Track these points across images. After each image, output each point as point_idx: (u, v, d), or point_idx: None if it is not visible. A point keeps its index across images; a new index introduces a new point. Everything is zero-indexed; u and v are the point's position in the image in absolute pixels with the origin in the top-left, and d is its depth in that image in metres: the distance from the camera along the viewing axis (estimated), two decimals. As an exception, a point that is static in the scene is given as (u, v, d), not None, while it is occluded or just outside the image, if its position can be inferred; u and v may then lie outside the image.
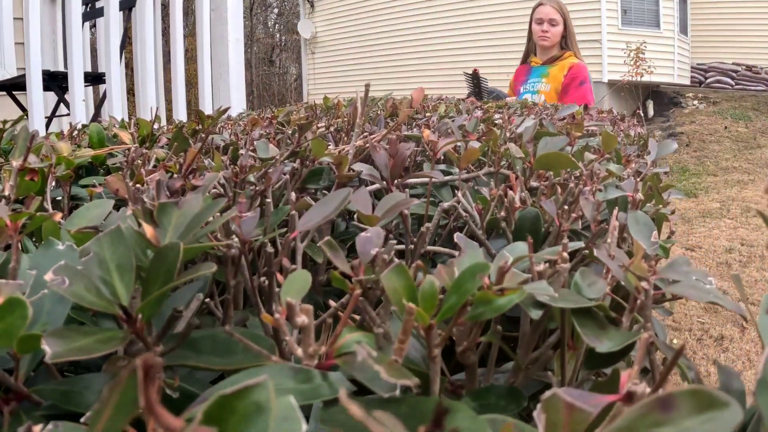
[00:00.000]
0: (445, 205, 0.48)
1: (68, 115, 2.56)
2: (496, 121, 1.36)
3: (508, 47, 9.62)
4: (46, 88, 3.07)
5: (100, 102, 2.71)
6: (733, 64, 10.93)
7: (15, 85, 3.10)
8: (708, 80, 10.93)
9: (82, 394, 0.24)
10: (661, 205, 0.54)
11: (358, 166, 0.55)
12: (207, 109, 2.58)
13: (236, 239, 0.33)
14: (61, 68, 3.80)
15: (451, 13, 10.38)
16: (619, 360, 0.27)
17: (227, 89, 2.62)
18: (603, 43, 9.21)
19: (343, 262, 0.28)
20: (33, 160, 0.46)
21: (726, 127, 9.81)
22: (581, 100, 2.29)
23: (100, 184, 0.61)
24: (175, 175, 0.50)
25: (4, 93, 3.54)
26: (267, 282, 0.32)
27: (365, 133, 0.65)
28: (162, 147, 0.77)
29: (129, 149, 0.68)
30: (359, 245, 0.28)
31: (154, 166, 0.66)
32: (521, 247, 0.33)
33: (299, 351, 0.23)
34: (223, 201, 0.28)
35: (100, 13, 3.47)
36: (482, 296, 0.24)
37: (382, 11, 11.36)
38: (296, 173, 0.54)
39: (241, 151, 0.53)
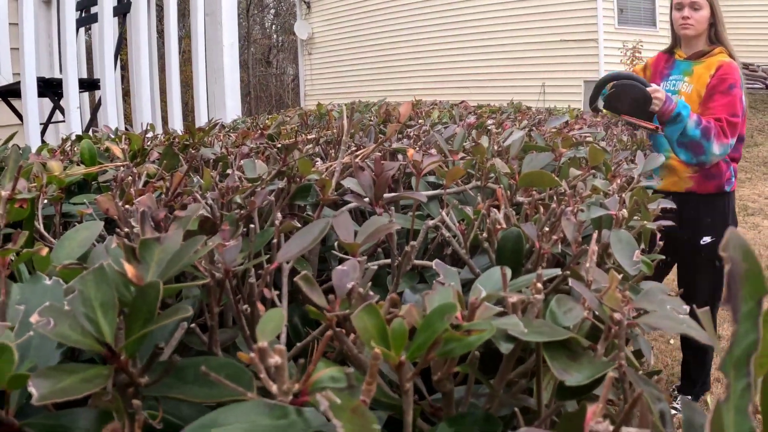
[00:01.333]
0: (430, 223, 0.49)
1: (64, 121, 2.56)
2: (489, 127, 1.37)
3: (505, 48, 9.64)
4: (41, 95, 3.07)
5: (95, 108, 2.71)
6: (730, 62, 10.95)
7: (10, 92, 3.10)
8: (705, 79, 10.95)
9: (71, 429, 0.25)
10: (646, 221, 0.54)
11: (347, 182, 0.56)
12: (202, 112, 2.58)
13: (220, 266, 0.34)
14: (57, 74, 3.80)
15: (447, 15, 10.38)
16: (588, 392, 0.27)
17: (222, 93, 2.62)
18: (600, 42, 9.21)
19: (320, 296, 0.29)
20: (23, 186, 0.47)
21: (723, 126, 9.79)
22: (727, 108, 1.96)
23: (90, 203, 0.61)
24: (162, 196, 0.51)
25: (-1, 99, 3.55)
26: (249, 310, 0.33)
27: (353, 148, 0.65)
28: (153, 162, 0.77)
29: (119, 167, 0.69)
30: (335, 279, 0.29)
31: (145, 183, 0.67)
32: (497, 276, 0.34)
33: (274, 388, 0.23)
34: (202, 239, 0.29)
35: (95, 18, 3.47)
36: (451, 336, 0.25)
37: (379, 12, 11.35)
38: (283, 191, 0.55)
39: (229, 170, 0.54)
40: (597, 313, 0.31)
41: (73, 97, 2.19)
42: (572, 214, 0.43)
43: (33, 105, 2.13)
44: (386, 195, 0.48)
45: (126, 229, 0.50)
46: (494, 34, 9.82)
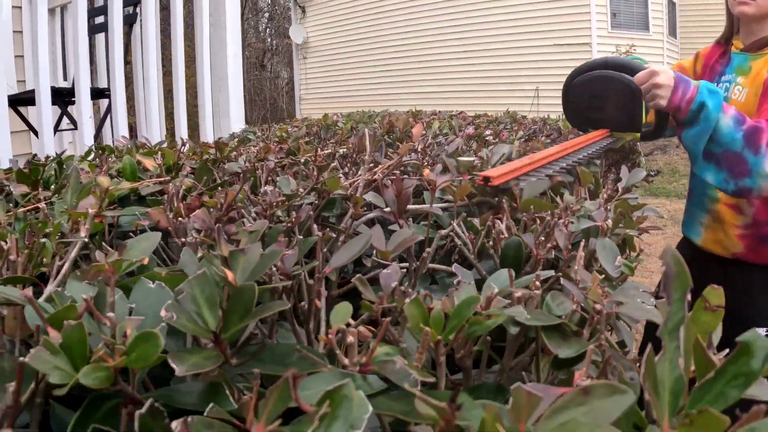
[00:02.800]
0: (443, 232, 0.57)
1: (72, 129, 2.64)
2: (487, 138, 1.46)
3: (500, 53, 9.74)
4: (28, 103, 3.14)
5: (103, 117, 2.79)
6: (722, 64, 11.02)
7: (19, 100, 3.17)
8: (698, 81, 11.01)
9: (184, 398, 0.33)
10: (629, 229, 0.63)
11: (368, 196, 0.65)
12: (207, 120, 2.66)
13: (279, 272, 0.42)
14: (61, 82, 3.87)
15: (441, 20, 10.46)
16: (576, 363, 0.36)
17: (227, 101, 2.70)
18: (593, 46, 9.31)
19: (372, 294, 0.37)
20: (89, 203, 0.55)
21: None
22: None
23: (141, 215, 0.69)
24: (212, 210, 0.59)
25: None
26: (307, 306, 0.41)
27: (371, 164, 0.74)
28: (186, 175, 0.86)
29: (161, 180, 0.77)
30: (382, 279, 0.37)
31: (184, 197, 0.75)
32: (504, 276, 0.42)
33: (346, 361, 0.32)
34: (279, 252, 0.37)
35: (98, 29, 3.55)
36: (475, 320, 0.33)
37: (375, 18, 11.44)
38: (313, 204, 0.63)
39: (267, 188, 0.62)
40: (583, 305, 0.39)
41: (85, 107, 2.26)
42: (564, 226, 0.51)
43: (47, 113, 2.21)
44: (409, 207, 0.56)
45: (182, 239, 0.58)
46: (489, 39, 9.91)
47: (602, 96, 1.37)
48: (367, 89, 11.57)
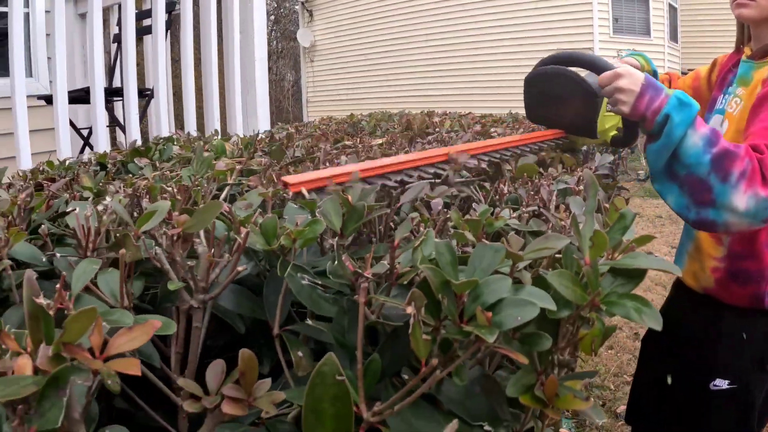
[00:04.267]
0: (466, 190, 0.83)
1: (121, 126, 2.91)
2: (493, 135, 1.72)
3: (504, 57, 9.98)
4: (85, 101, 3.41)
5: (141, 115, 3.06)
6: (723, 69, 11.15)
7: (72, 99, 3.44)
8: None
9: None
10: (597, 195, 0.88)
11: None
12: (238, 119, 2.93)
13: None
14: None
15: (447, 26, 10.68)
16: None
17: (254, 103, 2.97)
18: (595, 51, 9.53)
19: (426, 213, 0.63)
20: (225, 164, 0.81)
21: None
22: None
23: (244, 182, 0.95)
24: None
25: (43, 103, 3.88)
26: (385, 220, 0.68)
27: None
28: (261, 156, 1.12)
29: (248, 159, 1.03)
30: (433, 206, 0.63)
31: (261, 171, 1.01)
32: (506, 211, 0.69)
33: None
34: (373, 189, 0.63)
35: (141, 32, 3.82)
36: (490, 220, 0.59)
37: (381, 20, 11.66)
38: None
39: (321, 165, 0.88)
40: (552, 222, 0.65)
41: (133, 105, 2.53)
42: (547, 185, 0.77)
43: (101, 112, 2.47)
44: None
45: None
46: (494, 43, 10.13)
47: (554, 94, 1.22)
48: (375, 91, 11.78)
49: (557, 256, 0.56)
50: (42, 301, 0.39)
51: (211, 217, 0.50)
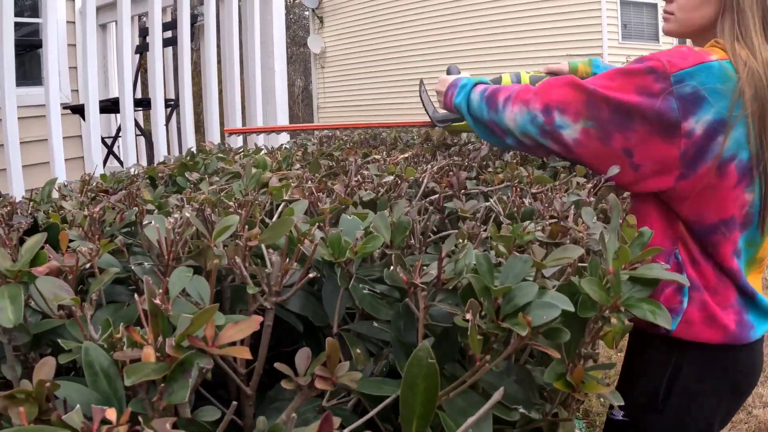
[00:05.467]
0: (484, 204, 0.91)
1: (145, 136, 3.03)
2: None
3: (513, 63, 10.08)
4: (110, 111, 3.54)
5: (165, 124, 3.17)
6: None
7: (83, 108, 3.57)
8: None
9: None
10: (603, 204, 0.96)
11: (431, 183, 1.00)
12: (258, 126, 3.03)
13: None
14: (113, 94, 4.27)
15: (457, 32, 10.79)
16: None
17: (274, 112, 3.07)
18: (604, 57, 9.60)
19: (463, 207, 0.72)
20: (275, 180, 0.90)
21: (723, 136, 10.13)
22: (597, 79, 1.11)
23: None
24: (337, 186, 0.94)
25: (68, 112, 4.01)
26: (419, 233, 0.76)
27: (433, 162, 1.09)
28: (298, 168, 1.20)
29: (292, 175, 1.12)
30: (469, 207, 0.71)
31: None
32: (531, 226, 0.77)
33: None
34: (406, 206, 0.72)
35: (147, 47, 3.94)
36: (521, 233, 0.68)
37: (392, 27, 11.78)
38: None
39: (358, 176, 0.97)
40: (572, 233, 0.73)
41: (160, 115, 2.64)
42: (559, 198, 0.85)
43: (130, 123, 2.58)
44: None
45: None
46: (504, 49, 10.22)
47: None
48: (385, 98, 11.89)
49: (581, 264, 0.64)
50: (158, 302, 0.48)
51: (285, 232, 0.58)
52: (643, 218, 1.13)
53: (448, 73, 1.50)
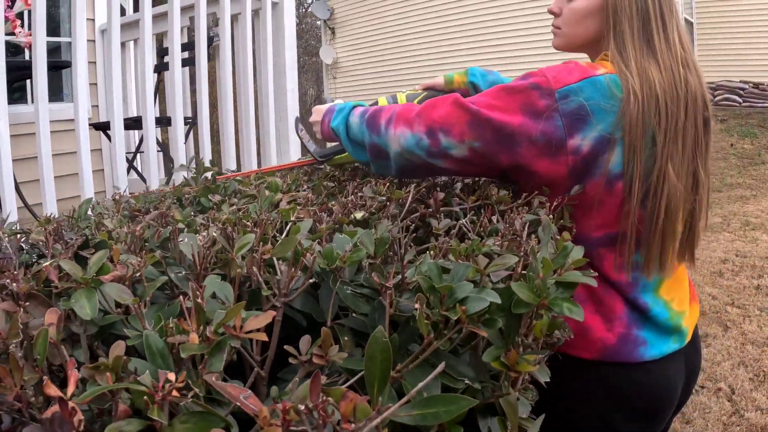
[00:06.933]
0: (460, 221, 1.10)
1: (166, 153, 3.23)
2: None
3: (522, 69, 10.20)
4: (132, 128, 3.76)
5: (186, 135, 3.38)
6: (740, 82, 11.21)
7: (107, 125, 3.80)
8: (716, 98, 11.20)
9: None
10: (561, 222, 1.14)
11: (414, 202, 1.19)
12: (272, 146, 3.23)
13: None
14: (132, 110, 4.49)
15: (468, 42, 10.93)
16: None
17: (286, 130, 3.27)
18: (610, 66, 9.70)
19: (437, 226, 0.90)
20: (286, 203, 1.09)
21: (732, 144, 10.21)
22: (481, 98, 1.08)
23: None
24: (335, 206, 1.13)
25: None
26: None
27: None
28: (304, 190, 1.39)
29: (294, 194, 1.31)
30: (441, 224, 0.90)
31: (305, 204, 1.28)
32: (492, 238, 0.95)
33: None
34: (389, 226, 0.90)
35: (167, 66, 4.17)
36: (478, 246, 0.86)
37: (403, 36, 11.94)
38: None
39: (352, 196, 1.16)
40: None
41: (180, 132, 2.85)
42: (520, 218, 1.03)
43: (152, 141, 2.78)
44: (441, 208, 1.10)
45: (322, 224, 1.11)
46: (513, 58, 10.35)
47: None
48: (395, 108, 11.99)
49: (524, 272, 0.82)
50: (201, 301, 0.67)
51: (291, 247, 0.77)
52: None
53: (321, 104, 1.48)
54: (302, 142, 1.59)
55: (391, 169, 1.18)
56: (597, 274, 1.02)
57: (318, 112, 1.37)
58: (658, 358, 1.09)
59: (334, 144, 1.46)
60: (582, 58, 1.22)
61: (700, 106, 1.05)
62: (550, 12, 1.18)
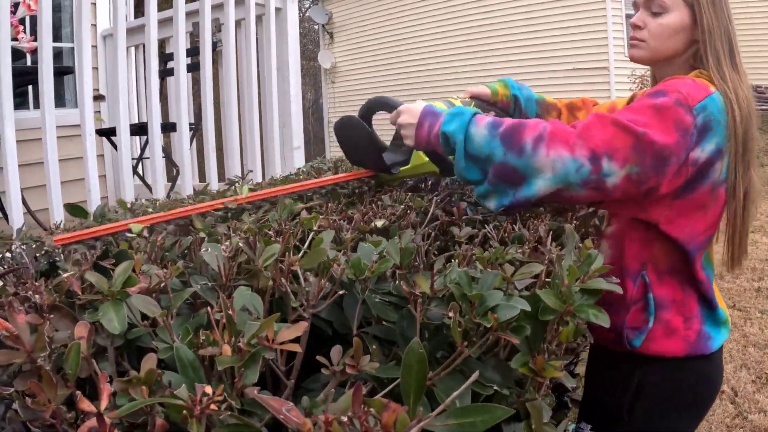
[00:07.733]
0: (485, 231, 1.10)
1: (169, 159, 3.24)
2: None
3: (520, 77, 10.19)
4: (136, 134, 3.76)
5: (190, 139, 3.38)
6: (739, 84, 11.19)
7: (111, 131, 3.80)
8: (715, 100, 11.13)
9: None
10: (584, 228, 1.14)
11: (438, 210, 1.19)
12: (276, 152, 3.23)
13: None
14: (135, 116, 4.49)
15: (466, 46, 10.95)
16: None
17: (290, 136, 3.27)
18: (611, 70, 9.70)
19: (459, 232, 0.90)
20: (304, 213, 1.09)
21: (731, 146, 10.18)
22: (627, 112, 1.04)
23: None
24: (355, 214, 1.13)
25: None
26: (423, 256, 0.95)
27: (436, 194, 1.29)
28: (318, 198, 1.39)
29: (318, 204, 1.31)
30: (462, 233, 0.90)
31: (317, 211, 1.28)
32: (514, 247, 0.95)
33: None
34: (412, 235, 0.90)
35: (170, 72, 4.17)
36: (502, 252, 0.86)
37: (401, 41, 11.96)
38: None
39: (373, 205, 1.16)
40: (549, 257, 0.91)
41: (185, 138, 2.85)
42: (543, 224, 1.03)
43: (158, 147, 2.78)
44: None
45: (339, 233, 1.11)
46: (510, 63, 10.37)
47: (349, 138, 1.38)
48: (394, 112, 11.98)
49: (547, 280, 0.82)
50: (232, 312, 0.67)
51: (319, 259, 0.77)
52: (620, 241, 1.16)
53: (378, 103, 1.34)
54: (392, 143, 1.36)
55: (509, 198, 1.07)
56: (688, 275, 1.16)
57: (410, 112, 1.18)
58: (716, 350, 1.20)
59: (401, 149, 1.30)
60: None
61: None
62: (632, 25, 1.19)
